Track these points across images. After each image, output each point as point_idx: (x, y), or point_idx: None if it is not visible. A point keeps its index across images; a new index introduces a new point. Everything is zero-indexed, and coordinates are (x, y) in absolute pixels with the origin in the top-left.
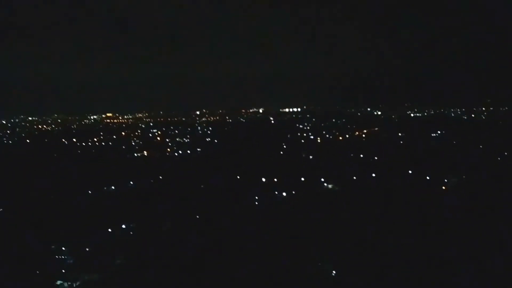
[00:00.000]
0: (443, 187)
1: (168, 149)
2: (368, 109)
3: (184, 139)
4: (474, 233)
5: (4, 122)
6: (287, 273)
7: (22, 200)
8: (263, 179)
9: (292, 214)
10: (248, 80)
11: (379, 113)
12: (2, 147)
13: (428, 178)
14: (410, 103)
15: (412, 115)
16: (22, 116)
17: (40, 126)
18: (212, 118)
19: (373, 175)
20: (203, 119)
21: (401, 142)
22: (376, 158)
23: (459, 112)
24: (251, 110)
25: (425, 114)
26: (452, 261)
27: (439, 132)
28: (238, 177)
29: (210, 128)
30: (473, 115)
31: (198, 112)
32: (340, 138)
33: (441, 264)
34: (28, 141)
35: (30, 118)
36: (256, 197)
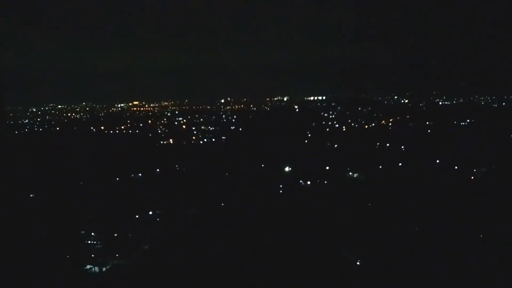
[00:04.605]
0: (472, 177)
1: (194, 137)
2: (395, 97)
3: (209, 127)
4: (503, 223)
5: (34, 110)
6: (311, 262)
7: (52, 187)
8: (288, 168)
9: (317, 203)
10: (273, 68)
11: (406, 101)
12: (33, 135)
13: (456, 167)
14: (438, 91)
15: (440, 103)
16: (51, 104)
17: (69, 114)
18: (236, 107)
19: (400, 164)
20: (228, 107)
21: (429, 131)
22: (402, 147)
23: (489, 100)
24: (275, 98)
25: (454, 102)
26: (479, 252)
27: (468, 120)
28: (263, 165)
29: (235, 116)
30: (503, 103)
31: (222, 100)
32: (366, 126)
33: (468, 254)
34: (58, 128)
35: (59, 106)
36: (281, 186)
